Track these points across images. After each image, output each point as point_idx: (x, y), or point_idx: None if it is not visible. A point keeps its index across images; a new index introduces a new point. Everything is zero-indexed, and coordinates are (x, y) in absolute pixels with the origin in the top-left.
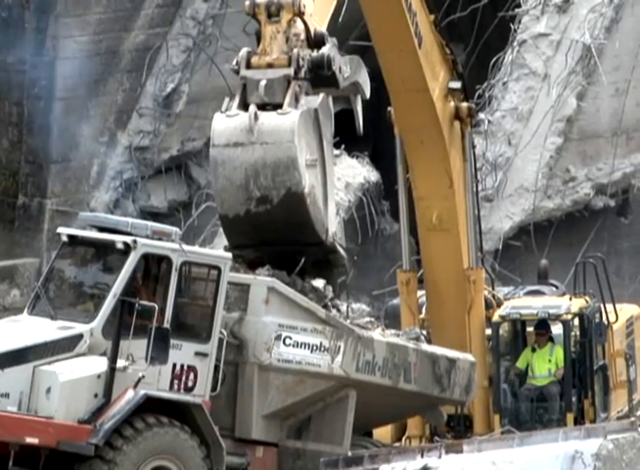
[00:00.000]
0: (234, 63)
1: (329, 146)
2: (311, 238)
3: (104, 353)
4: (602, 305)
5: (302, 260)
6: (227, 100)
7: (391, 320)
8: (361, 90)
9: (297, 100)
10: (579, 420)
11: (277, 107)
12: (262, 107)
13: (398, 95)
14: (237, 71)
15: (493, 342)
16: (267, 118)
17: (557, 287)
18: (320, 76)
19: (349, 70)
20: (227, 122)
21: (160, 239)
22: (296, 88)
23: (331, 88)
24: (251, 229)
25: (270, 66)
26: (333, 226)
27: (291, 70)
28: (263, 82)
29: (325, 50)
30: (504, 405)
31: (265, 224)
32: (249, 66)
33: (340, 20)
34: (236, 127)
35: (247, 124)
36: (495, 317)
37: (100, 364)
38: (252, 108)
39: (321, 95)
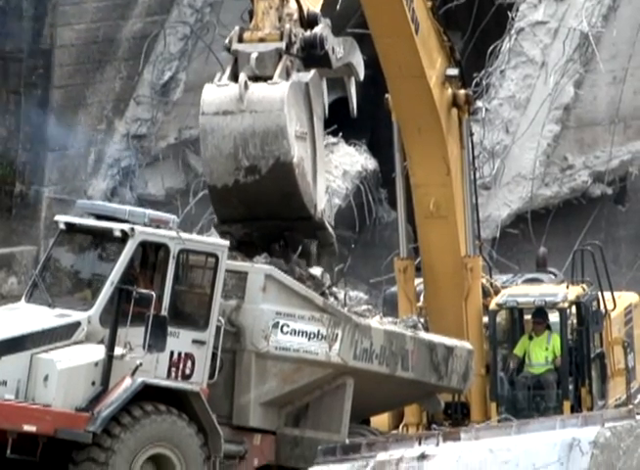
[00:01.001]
0: (226, 40)
1: (319, 123)
2: (300, 212)
3: (101, 341)
4: (599, 293)
5: (301, 246)
6: (218, 74)
7: (389, 308)
8: (355, 72)
9: (287, 74)
10: (576, 408)
11: (268, 80)
12: (253, 80)
13: (395, 82)
14: (229, 48)
15: (490, 330)
16: (257, 88)
17: (555, 275)
18: (313, 56)
19: (343, 50)
20: (217, 92)
21: (157, 227)
22: (287, 62)
23: (324, 68)
24: (240, 202)
25: (262, 40)
26: (322, 203)
27: (282, 44)
28: (255, 55)
29: (317, 29)
30: (501, 393)
31: (254, 196)
32: (240, 40)
33: (337, 8)
34: (226, 96)
35: (237, 93)
36: (492, 305)
37: (97, 352)
38: (243, 76)
39: (312, 71)
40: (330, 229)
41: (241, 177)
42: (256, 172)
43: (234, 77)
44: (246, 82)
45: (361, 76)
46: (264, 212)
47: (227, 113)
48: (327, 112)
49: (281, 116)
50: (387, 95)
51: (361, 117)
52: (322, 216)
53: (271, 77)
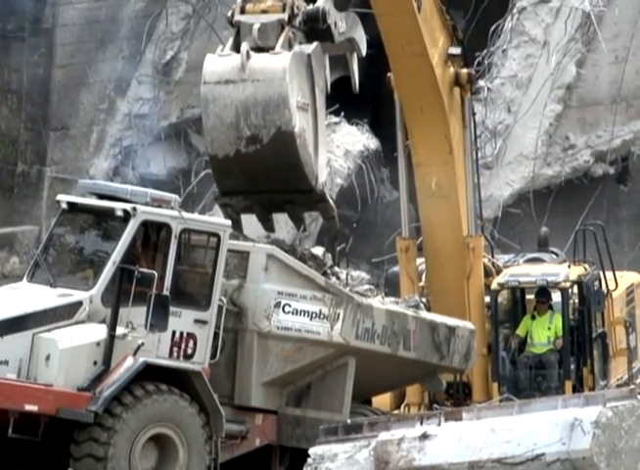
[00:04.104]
0: (229, 12)
1: (321, 96)
2: (301, 184)
3: (103, 321)
4: (601, 273)
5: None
6: (220, 46)
7: (391, 288)
8: (357, 47)
9: (290, 46)
10: (578, 388)
11: (270, 50)
12: (255, 51)
13: (398, 60)
14: (231, 21)
15: (492, 309)
16: (259, 58)
17: (557, 254)
18: (315, 30)
19: (345, 25)
20: (219, 61)
21: (159, 206)
22: (289, 34)
23: (326, 43)
24: (241, 172)
25: (264, 12)
26: (323, 175)
27: (285, 16)
28: (257, 26)
29: (320, 3)
30: (502, 373)
31: (255, 166)
32: (243, 12)
33: None
34: (228, 66)
35: (239, 63)
36: (494, 285)
37: (99, 332)
38: (245, 46)
39: (315, 43)
40: (331, 202)
41: (242, 147)
42: (258, 142)
43: (236, 48)
44: (248, 52)
45: (363, 52)
46: (265, 184)
47: (229, 82)
48: (329, 90)
49: (283, 85)
50: (389, 74)
51: (363, 96)
52: (323, 189)
53: (273, 48)
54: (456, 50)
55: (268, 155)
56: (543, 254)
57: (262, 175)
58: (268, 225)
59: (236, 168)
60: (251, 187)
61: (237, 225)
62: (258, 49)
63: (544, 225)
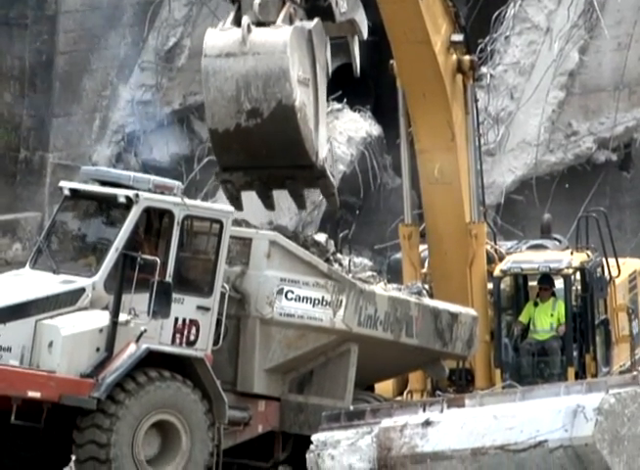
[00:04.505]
0: None
1: (322, 72)
2: (301, 159)
3: (106, 307)
4: (604, 260)
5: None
6: (221, 22)
7: (394, 275)
8: (358, 29)
9: (290, 21)
10: (580, 375)
11: (271, 25)
12: (256, 25)
13: (400, 47)
14: None
15: (495, 296)
16: (260, 32)
17: (560, 241)
18: (316, 7)
19: (347, 5)
20: (220, 35)
21: (162, 193)
22: (290, 10)
23: (327, 23)
24: (241, 147)
25: None
26: (323, 152)
27: None
28: (258, 1)
29: None
30: (505, 360)
31: (255, 141)
32: None
33: None
34: (229, 39)
35: (239, 36)
36: (496, 272)
37: (102, 318)
38: (246, 19)
39: (316, 19)
40: (331, 178)
41: (242, 121)
42: (258, 116)
43: (237, 23)
44: (249, 25)
45: (365, 35)
46: (266, 159)
47: (230, 55)
48: (330, 73)
49: (284, 58)
50: (391, 61)
51: (366, 82)
52: (324, 165)
53: (274, 23)
54: (459, 37)
55: (269, 129)
56: (546, 240)
57: (263, 150)
58: (268, 202)
59: (236, 143)
60: (251, 163)
61: (237, 202)
62: (259, 24)
63: (547, 212)
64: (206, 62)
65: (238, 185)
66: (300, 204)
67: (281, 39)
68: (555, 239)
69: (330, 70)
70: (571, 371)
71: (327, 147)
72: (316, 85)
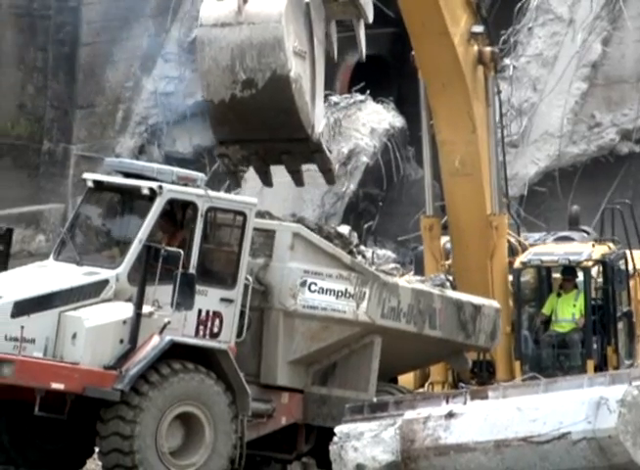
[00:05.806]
0: None
1: (320, 47)
2: (296, 132)
3: (129, 299)
4: (627, 252)
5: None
6: None
7: (420, 266)
8: (362, 12)
9: None
10: (602, 367)
11: None
12: None
13: (418, 38)
14: None
15: (515, 288)
16: (256, 2)
17: (588, 233)
18: None
19: None
20: (216, 5)
21: (185, 185)
22: None
23: (331, 4)
24: (237, 118)
25: None
26: (320, 126)
27: None
28: None
29: None
30: (525, 352)
31: (250, 112)
32: None
33: None
34: (224, 9)
35: (235, 7)
36: (516, 264)
37: (126, 310)
38: None
39: None
40: (328, 153)
41: (237, 91)
42: (253, 86)
43: None
44: None
45: (370, 18)
46: (261, 131)
47: (225, 25)
48: (336, 56)
49: (278, 27)
50: (413, 52)
51: (388, 74)
52: (320, 139)
53: None
54: (479, 28)
55: (263, 99)
56: (574, 232)
57: (258, 121)
58: (266, 179)
59: (232, 114)
60: (246, 135)
61: (235, 178)
62: None
63: (570, 203)
64: (202, 31)
65: (235, 159)
66: (298, 180)
67: (276, 9)
68: (583, 231)
69: (335, 51)
70: (590, 364)
71: (324, 122)
72: (313, 58)
